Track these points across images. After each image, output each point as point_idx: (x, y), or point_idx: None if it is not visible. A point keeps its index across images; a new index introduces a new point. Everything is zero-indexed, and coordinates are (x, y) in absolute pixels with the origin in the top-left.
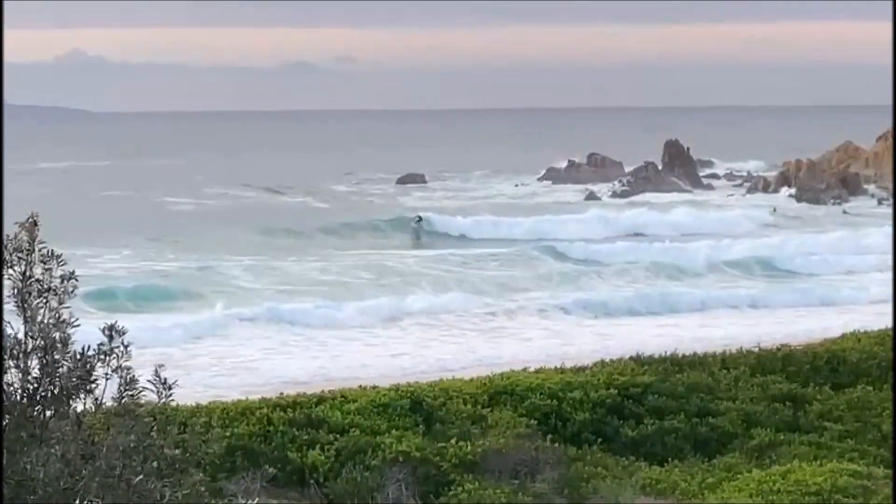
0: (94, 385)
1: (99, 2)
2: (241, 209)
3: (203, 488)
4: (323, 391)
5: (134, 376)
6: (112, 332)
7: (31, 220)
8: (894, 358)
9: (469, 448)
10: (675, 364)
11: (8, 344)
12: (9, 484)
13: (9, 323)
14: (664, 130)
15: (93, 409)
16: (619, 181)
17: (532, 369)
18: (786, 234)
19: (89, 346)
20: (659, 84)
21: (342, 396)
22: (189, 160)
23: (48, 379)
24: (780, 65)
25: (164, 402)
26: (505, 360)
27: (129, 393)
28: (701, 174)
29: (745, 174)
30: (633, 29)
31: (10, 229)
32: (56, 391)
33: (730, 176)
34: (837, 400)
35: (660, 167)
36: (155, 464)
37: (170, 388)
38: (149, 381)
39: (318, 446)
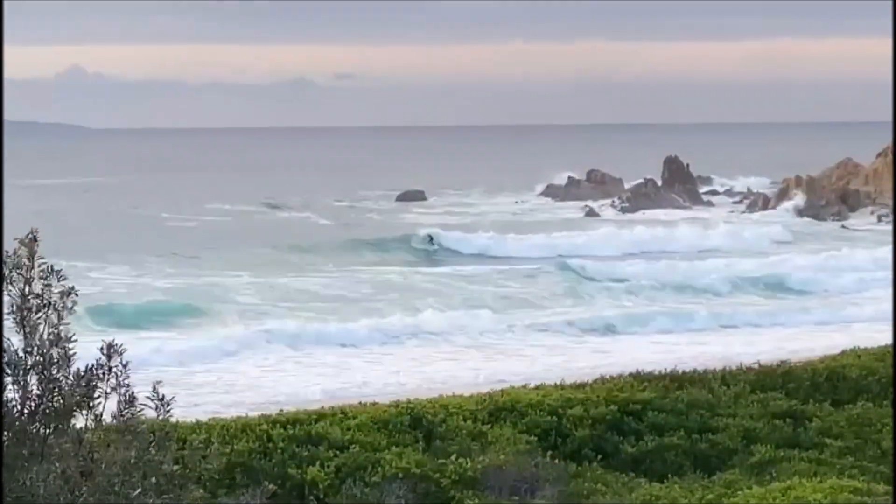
0: (94, 402)
1: (98, 19)
2: (243, 225)
3: None
4: (323, 407)
5: (133, 393)
6: (111, 349)
7: (30, 236)
8: (894, 374)
9: (469, 464)
10: (674, 380)
11: (8, 360)
12: (8, 500)
13: (8, 340)
14: (664, 147)
15: (93, 426)
16: (619, 197)
17: (532, 385)
18: (797, 250)
19: (90, 364)
20: (659, 100)
21: (342, 413)
22: (188, 177)
23: (48, 396)
24: (779, 81)
25: (163, 419)
26: (516, 376)
27: (129, 410)
28: (700, 191)
29: (744, 191)
30: (633, 46)
31: (9, 245)
32: (56, 408)
33: (729, 193)
34: (837, 416)
35: (659, 184)
36: (154, 480)
37: (168, 405)
38: (147, 397)
39: (317, 463)
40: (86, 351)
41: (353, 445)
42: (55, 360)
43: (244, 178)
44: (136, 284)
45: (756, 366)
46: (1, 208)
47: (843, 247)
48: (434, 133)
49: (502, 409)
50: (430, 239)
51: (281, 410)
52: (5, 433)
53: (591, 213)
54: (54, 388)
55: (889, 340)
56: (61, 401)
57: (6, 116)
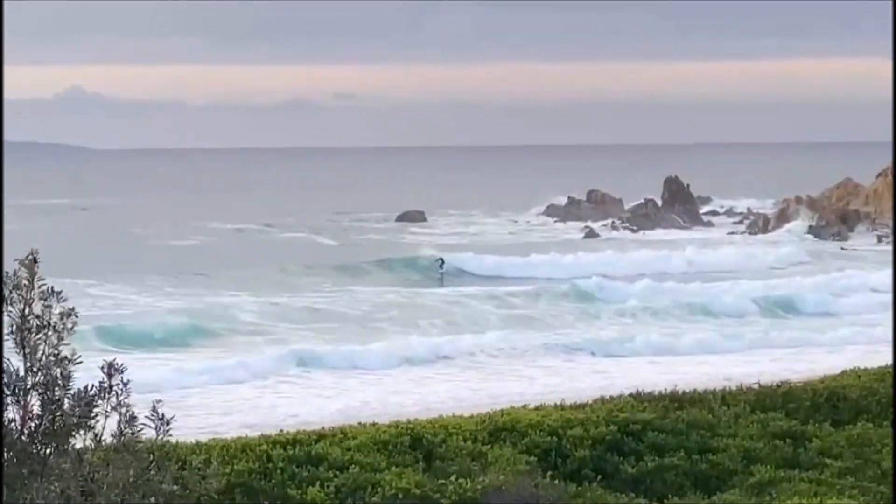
0: (94, 421)
1: (98, 39)
2: (245, 245)
3: None
4: (323, 428)
5: (133, 413)
6: (111, 369)
7: (30, 256)
8: (894, 394)
9: (469, 485)
10: (674, 401)
11: (8, 380)
12: None
13: (8, 360)
14: (664, 167)
15: (92, 446)
16: (620, 218)
17: (532, 406)
18: (812, 270)
19: (89, 383)
20: (658, 121)
21: (342, 433)
22: (188, 196)
23: (49, 416)
24: (778, 101)
25: (162, 439)
26: (519, 396)
27: (129, 430)
28: (701, 211)
29: (744, 211)
30: (633, 66)
31: (9, 266)
32: (56, 428)
33: (730, 213)
34: (837, 437)
35: (660, 204)
36: (154, 500)
37: (168, 425)
38: (147, 417)
39: (317, 483)
40: (92, 372)
41: (353, 466)
42: (56, 381)
43: (244, 198)
44: (141, 304)
45: (756, 386)
46: (1, 228)
47: (855, 267)
48: (433, 153)
49: (502, 430)
50: (441, 263)
51: (281, 431)
52: (6, 453)
53: (591, 234)
54: (55, 408)
55: (889, 360)
56: (62, 421)
57: (5, 137)
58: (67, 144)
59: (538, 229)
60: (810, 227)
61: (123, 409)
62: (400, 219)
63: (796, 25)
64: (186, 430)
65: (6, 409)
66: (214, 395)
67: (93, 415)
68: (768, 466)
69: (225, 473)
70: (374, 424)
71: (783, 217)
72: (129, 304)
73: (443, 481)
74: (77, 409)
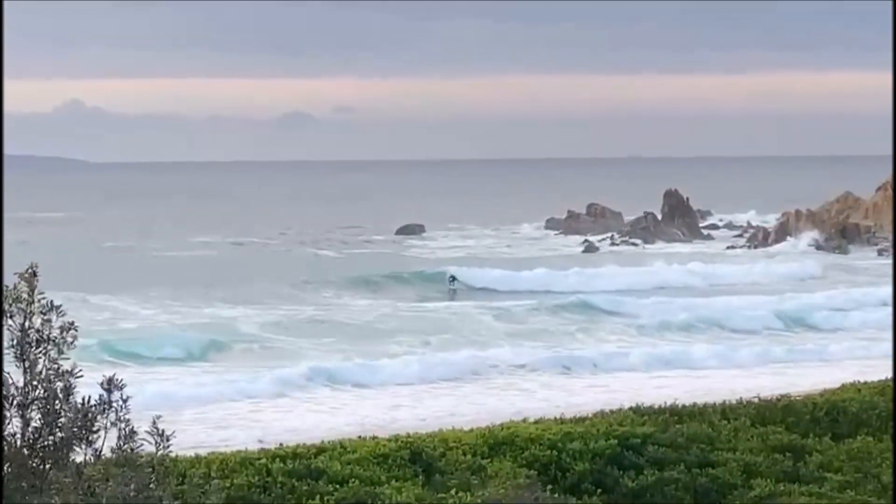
0: (94, 436)
1: (97, 53)
2: (248, 259)
3: None
4: (322, 441)
5: (133, 428)
6: (111, 384)
7: (30, 270)
8: (894, 408)
9: (469, 498)
10: (674, 414)
11: (9, 394)
12: None
13: (8, 374)
14: (663, 180)
15: (92, 460)
16: (619, 231)
17: (532, 420)
18: (825, 285)
19: (90, 398)
20: (658, 134)
21: (341, 447)
22: (185, 209)
23: (49, 429)
24: (778, 115)
25: (162, 453)
26: (528, 410)
27: (129, 444)
28: (700, 224)
29: (744, 224)
30: (633, 79)
31: (9, 280)
32: (56, 441)
33: (729, 226)
34: (837, 450)
35: (659, 217)
36: None
37: (168, 439)
38: (147, 432)
39: (317, 497)
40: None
41: (353, 480)
42: (57, 394)
43: (243, 212)
44: (147, 318)
45: (756, 399)
46: (1, 241)
47: (868, 283)
48: (433, 167)
49: (502, 443)
50: (453, 279)
51: (280, 444)
52: (6, 466)
53: (590, 248)
54: (54, 421)
55: (889, 374)
56: (62, 434)
57: (5, 150)
58: (67, 158)
59: (538, 243)
60: (815, 240)
61: (123, 424)
62: (399, 232)
63: (796, 39)
64: (206, 447)
65: (7, 423)
66: (230, 409)
67: (94, 429)
68: (768, 480)
69: (224, 487)
70: (373, 438)
71: (783, 231)
72: (134, 318)
73: (442, 495)
74: (77, 423)
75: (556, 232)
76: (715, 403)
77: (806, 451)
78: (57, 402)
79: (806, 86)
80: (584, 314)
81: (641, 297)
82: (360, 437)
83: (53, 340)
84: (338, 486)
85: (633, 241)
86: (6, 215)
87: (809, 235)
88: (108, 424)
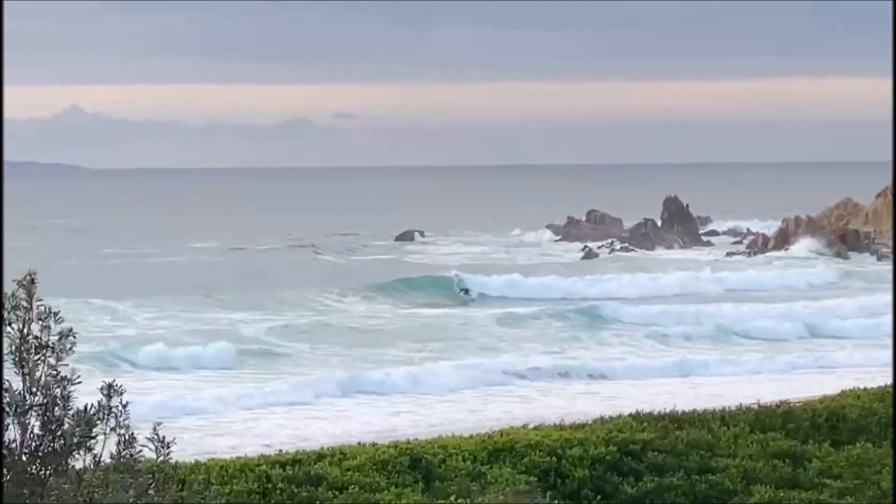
0: (94, 442)
1: (97, 59)
2: (250, 265)
3: None
4: (322, 447)
5: (133, 434)
6: (111, 390)
7: (28, 277)
8: (894, 414)
9: None
10: (674, 421)
11: (10, 400)
12: None
13: (8, 381)
14: (663, 187)
15: (92, 467)
16: (619, 238)
17: (531, 426)
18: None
19: (91, 405)
20: (657, 141)
21: (341, 453)
22: (188, 217)
23: (49, 436)
24: (778, 121)
25: (162, 460)
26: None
27: (128, 451)
28: (700, 231)
29: (744, 231)
30: (632, 86)
31: (9, 287)
32: (56, 448)
33: (729, 233)
34: (837, 457)
35: (659, 224)
36: None
37: (167, 446)
38: (147, 438)
39: (317, 503)
40: (148, 395)
41: (353, 486)
42: (56, 401)
43: (242, 218)
44: (153, 325)
45: (756, 406)
46: (1, 248)
47: (884, 290)
48: (433, 173)
49: (501, 450)
50: (466, 291)
51: (280, 451)
52: (5, 473)
53: (589, 254)
54: (55, 428)
55: (889, 380)
56: (62, 440)
57: (5, 157)
58: (66, 164)
59: (537, 249)
60: (815, 246)
61: (122, 430)
62: (399, 238)
63: (795, 45)
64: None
65: (6, 430)
66: (241, 417)
67: (93, 435)
68: (768, 486)
69: (224, 494)
70: (373, 444)
71: (783, 237)
72: (138, 325)
73: (442, 501)
74: (77, 430)
75: (556, 238)
76: (714, 409)
77: (805, 457)
78: (56, 408)
79: (805, 92)
80: (590, 321)
81: (648, 304)
82: (359, 443)
83: (52, 347)
84: (337, 493)
85: (632, 247)
86: (6, 221)
87: (809, 242)
88: (108, 430)
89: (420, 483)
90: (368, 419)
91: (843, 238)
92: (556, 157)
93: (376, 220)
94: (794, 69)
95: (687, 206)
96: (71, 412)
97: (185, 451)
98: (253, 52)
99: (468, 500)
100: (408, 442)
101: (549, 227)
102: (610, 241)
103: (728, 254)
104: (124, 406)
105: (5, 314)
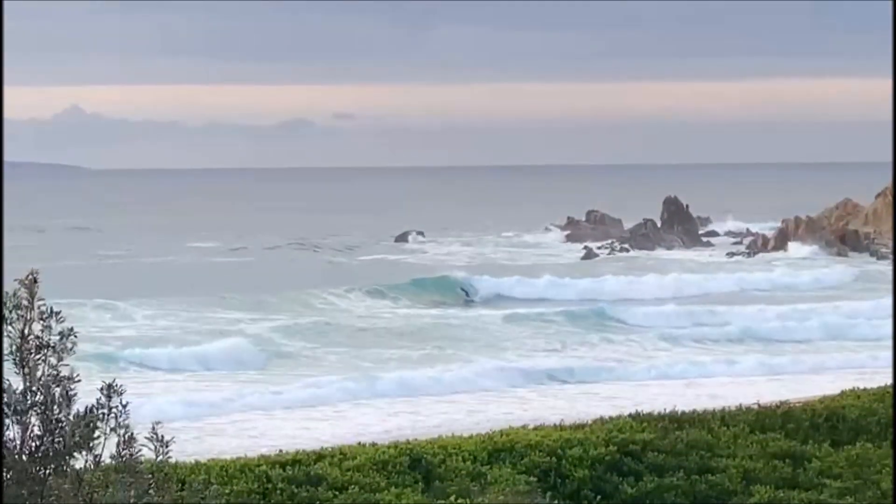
0: (95, 442)
1: (96, 59)
2: (250, 266)
3: None
4: (322, 448)
5: (133, 434)
6: (111, 390)
7: (30, 276)
8: (894, 415)
9: None
10: (673, 421)
11: (10, 400)
12: None
13: (8, 381)
14: (662, 187)
15: (92, 467)
16: (619, 238)
17: (531, 426)
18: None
19: (91, 406)
20: (657, 141)
21: (341, 453)
22: (187, 217)
23: (49, 436)
24: (778, 122)
25: (162, 460)
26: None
27: (128, 451)
28: (699, 231)
29: (744, 231)
30: (632, 86)
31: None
32: (56, 448)
33: (729, 233)
34: (837, 457)
35: (659, 224)
36: None
37: (167, 446)
38: (146, 437)
39: (316, 503)
40: (151, 396)
41: (353, 486)
42: (56, 401)
43: (242, 219)
44: (159, 326)
45: (755, 406)
46: (1, 248)
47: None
48: (433, 174)
49: (501, 450)
50: (467, 293)
51: (280, 451)
52: (5, 473)
53: (589, 254)
54: (55, 428)
55: (889, 381)
56: (62, 441)
57: (6, 157)
58: (66, 164)
59: (537, 249)
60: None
61: (123, 430)
62: (399, 239)
63: (795, 45)
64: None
65: (6, 429)
66: (250, 419)
67: (94, 436)
68: (768, 487)
69: (224, 494)
70: (373, 445)
71: (783, 238)
72: (144, 326)
73: (442, 501)
74: (77, 430)
75: (556, 238)
76: (714, 410)
77: (805, 457)
78: (56, 408)
79: (805, 92)
80: (592, 322)
81: (650, 306)
82: (359, 443)
83: (53, 346)
84: (337, 493)
85: (632, 248)
86: (6, 221)
87: (809, 242)
88: (108, 430)
89: (420, 483)
90: (367, 420)
91: (843, 238)
92: (555, 158)
93: (376, 221)
94: (794, 69)
95: (687, 206)
96: (71, 413)
97: (187, 452)
98: (253, 52)
99: (468, 501)
100: (408, 442)
101: (548, 227)
102: (610, 241)
103: (728, 254)
104: (124, 406)
105: (6, 313)
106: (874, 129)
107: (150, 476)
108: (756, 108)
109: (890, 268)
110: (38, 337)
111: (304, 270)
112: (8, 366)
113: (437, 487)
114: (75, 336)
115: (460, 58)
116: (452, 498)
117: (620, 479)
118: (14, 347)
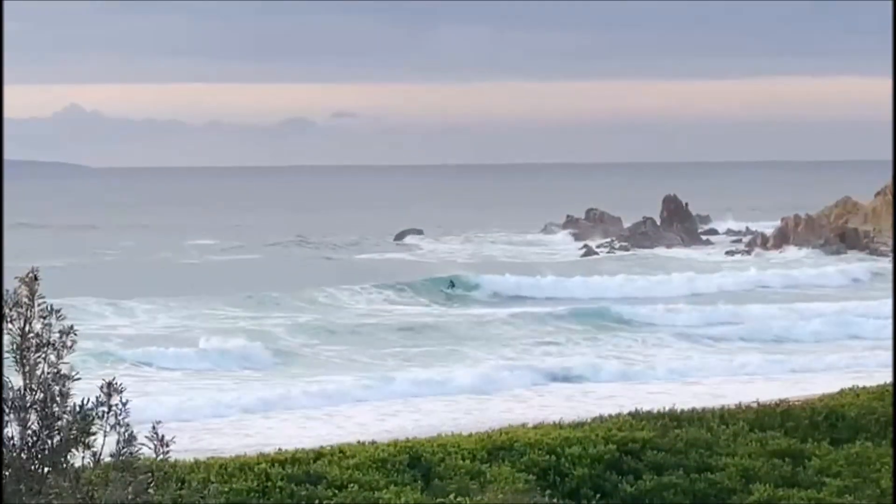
0: (92, 439)
1: (96, 58)
2: (252, 265)
3: None
4: (321, 446)
5: (132, 432)
6: (110, 388)
7: (30, 275)
8: (894, 413)
9: (468, 503)
10: (673, 419)
11: (8, 396)
12: None
13: (8, 378)
14: (662, 186)
15: (91, 465)
16: (618, 236)
17: (531, 425)
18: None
19: (88, 400)
20: (656, 139)
21: (340, 452)
22: (187, 216)
23: (47, 432)
24: (777, 120)
25: (161, 458)
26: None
27: (128, 449)
28: (699, 230)
29: (743, 229)
30: (632, 86)
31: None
32: (55, 444)
33: (728, 232)
34: (836, 455)
35: (658, 222)
36: None
37: (167, 445)
38: (146, 436)
39: (316, 502)
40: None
41: (352, 484)
42: (55, 398)
43: (243, 218)
44: (167, 326)
45: (755, 405)
46: (1, 247)
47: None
48: (433, 172)
49: (501, 448)
50: (452, 284)
51: (279, 449)
52: (5, 470)
53: (589, 252)
54: (53, 425)
55: (888, 379)
56: (60, 436)
57: (5, 156)
58: (66, 163)
59: (536, 248)
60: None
61: (122, 428)
62: (399, 237)
63: (795, 43)
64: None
65: (6, 426)
66: (263, 419)
67: (91, 431)
68: (767, 485)
69: (224, 492)
70: (372, 443)
71: (782, 236)
72: (154, 325)
73: (441, 500)
74: (75, 426)
75: (555, 237)
76: (714, 408)
77: (805, 455)
78: (55, 405)
79: (805, 91)
80: (594, 321)
81: (652, 304)
82: (358, 441)
83: (53, 344)
84: (337, 491)
85: (632, 246)
86: (6, 220)
87: (808, 240)
88: (108, 428)
89: (419, 481)
90: (367, 419)
91: (843, 237)
92: (555, 157)
93: (376, 219)
94: (794, 68)
95: (686, 204)
96: (69, 409)
97: (187, 451)
98: (254, 51)
99: (467, 499)
100: (407, 440)
101: (548, 225)
102: (609, 239)
103: (727, 252)
104: (124, 404)
105: (6, 311)
106: (874, 127)
107: (149, 474)
108: (755, 106)
109: (890, 266)
110: (38, 335)
111: (304, 269)
112: (8, 363)
113: (437, 486)
114: (75, 334)
115: (461, 57)
116: (452, 496)
117: (620, 477)
118: (14, 345)
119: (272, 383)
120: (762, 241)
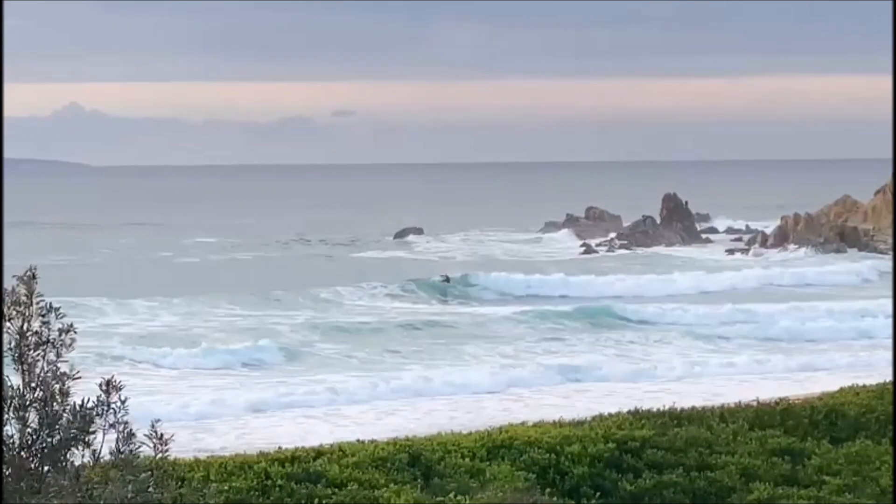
0: (92, 436)
1: (96, 57)
2: (252, 264)
3: None
4: (321, 445)
5: (132, 430)
6: (109, 386)
7: (29, 273)
8: (894, 412)
9: (467, 502)
10: (673, 418)
11: (8, 395)
12: None
13: (8, 377)
14: (662, 184)
15: (91, 463)
16: (618, 234)
17: (530, 423)
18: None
19: (87, 399)
20: (656, 138)
21: (340, 450)
22: (187, 214)
23: (47, 431)
24: (776, 119)
25: (161, 457)
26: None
27: (127, 447)
28: (699, 228)
29: (743, 228)
30: (632, 84)
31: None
32: (54, 443)
33: (728, 230)
34: (836, 454)
35: (658, 221)
36: None
37: (166, 443)
38: (146, 434)
39: (315, 500)
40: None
41: (352, 483)
42: (55, 396)
43: (242, 216)
44: (175, 325)
45: (755, 403)
46: (1, 246)
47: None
48: (432, 170)
49: (500, 447)
50: (447, 279)
51: (279, 448)
52: (4, 468)
53: (588, 251)
54: (52, 423)
55: (888, 378)
56: (59, 435)
57: (6, 154)
58: (66, 161)
59: (536, 246)
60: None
61: (121, 427)
62: (398, 236)
63: (795, 42)
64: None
65: (6, 425)
66: (272, 419)
67: (91, 430)
68: (767, 483)
69: (223, 491)
70: (372, 441)
71: (782, 234)
72: (161, 324)
73: (441, 498)
74: (75, 424)
75: (555, 235)
76: (714, 407)
77: (804, 454)
78: (55, 403)
79: (805, 89)
80: (594, 320)
81: (651, 303)
82: (358, 440)
83: (52, 343)
84: (336, 490)
85: (632, 244)
86: (6, 218)
87: (808, 239)
88: (107, 427)
89: (419, 480)
90: (367, 418)
91: (842, 235)
92: (554, 155)
93: (375, 218)
94: (794, 67)
95: (686, 203)
96: (69, 407)
97: (187, 450)
98: (252, 49)
99: (467, 497)
100: (407, 439)
101: (547, 224)
102: (609, 238)
103: (727, 251)
104: (123, 402)
105: (5, 310)
106: (874, 125)
107: (149, 473)
108: (755, 105)
109: (889, 264)
110: (37, 333)
111: (304, 267)
112: (7, 362)
113: (436, 484)
114: (75, 332)
115: (459, 55)
116: (451, 495)
117: (619, 475)
118: (13, 344)
119: (272, 382)
120: (762, 240)
